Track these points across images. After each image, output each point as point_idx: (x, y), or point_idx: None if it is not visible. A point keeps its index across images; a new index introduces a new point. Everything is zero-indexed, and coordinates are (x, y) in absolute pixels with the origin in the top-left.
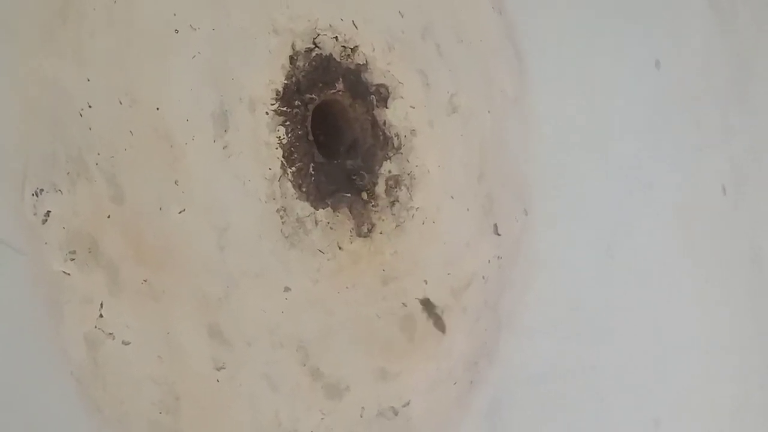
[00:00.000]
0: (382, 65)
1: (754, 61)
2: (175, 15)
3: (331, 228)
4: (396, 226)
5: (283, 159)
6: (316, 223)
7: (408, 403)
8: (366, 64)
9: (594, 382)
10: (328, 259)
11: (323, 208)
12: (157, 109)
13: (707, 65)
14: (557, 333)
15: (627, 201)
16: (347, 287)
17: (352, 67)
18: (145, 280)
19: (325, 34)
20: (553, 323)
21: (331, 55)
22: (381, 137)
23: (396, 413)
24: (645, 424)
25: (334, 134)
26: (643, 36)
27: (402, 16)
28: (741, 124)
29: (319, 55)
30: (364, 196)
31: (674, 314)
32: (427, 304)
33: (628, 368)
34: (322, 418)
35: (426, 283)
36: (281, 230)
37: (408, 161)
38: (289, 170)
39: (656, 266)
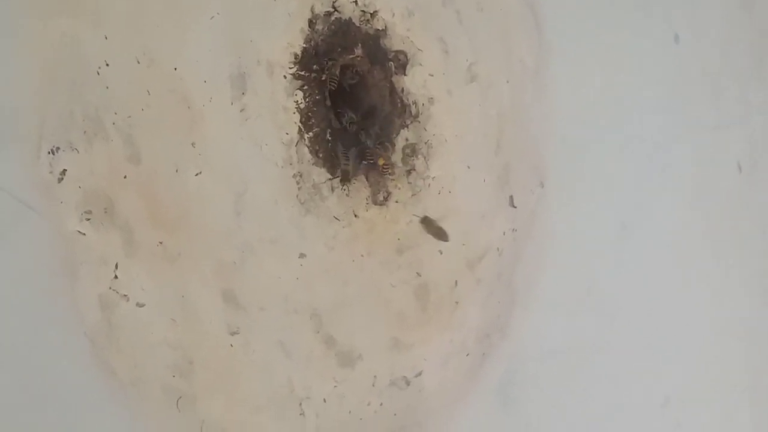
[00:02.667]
0: (401, 31)
1: None
2: None
3: (347, 195)
4: (412, 194)
5: (300, 124)
6: (332, 189)
7: (420, 374)
8: (385, 30)
9: (606, 358)
10: (344, 227)
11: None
12: (175, 69)
13: (727, 40)
14: (570, 309)
15: (643, 177)
16: (362, 255)
17: (371, 32)
18: (161, 243)
19: None
20: (567, 299)
21: (350, 19)
22: (399, 105)
23: (408, 383)
24: (655, 401)
25: (352, 100)
26: (663, 10)
27: None
28: (759, 100)
29: (338, 19)
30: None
31: (687, 293)
32: (426, 221)
33: (640, 346)
34: (335, 386)
35: (441, 254)
36: (297, 196)
37: (425, 130)
38: (306, 135)
39: (670, 244)
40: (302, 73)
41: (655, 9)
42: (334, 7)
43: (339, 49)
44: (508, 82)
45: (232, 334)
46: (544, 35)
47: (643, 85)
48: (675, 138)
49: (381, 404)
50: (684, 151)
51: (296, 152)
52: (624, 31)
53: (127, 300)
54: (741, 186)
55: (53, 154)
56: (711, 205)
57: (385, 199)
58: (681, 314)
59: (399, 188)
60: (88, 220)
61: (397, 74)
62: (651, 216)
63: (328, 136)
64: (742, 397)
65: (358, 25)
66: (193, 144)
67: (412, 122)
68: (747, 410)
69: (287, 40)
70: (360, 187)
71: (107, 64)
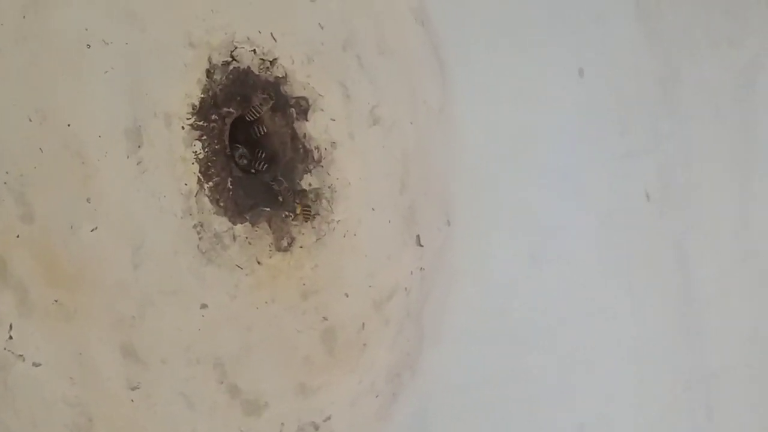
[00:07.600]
0: (301, 78)
1: (681, 67)
2: (87, 30)
3: (249, 243)
4: (316, 239)
5: (199, 174)
6: (234, 238)
7: (329, 418)
8: (285, 77)
9: (519, 389)
10: (247, 275)
11: (241, 223)
12: (69, 125)
13: (634, 72)
14: (481, 342)
15: (551, 208)
16: (266, 302)
17: (271, 80)
18: (56, 300)
19: (243, 47)
20: (478, 332)
21: (249, 68)
22: (301, 150)
23: (317, 428)
24: (570, 429)
25: (253, 148)
26: (567, 45)
27: (322, 28)
28: (668, 130)
29: (236, 69)
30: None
31: (599, 320)
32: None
33: (553, 375)
34: None
35: (347, 296)
36: (198, 246)
37: (329, 174)
38: (206, 185)
39: (581, 273)
40: (201, 123)
41: (558, 44)
42: (232, 57)
43: (238, 98)
44: (411, 123)
45: (133, 388)
46: (447, 74)
47: (550, 118)
48: (583, 168)
49: None
50: (592, 181)
51: (196, 203)
52: (528, 66)
53: (23, 360)
54: (650, 214)
55: None
56: (621, 233)
57: (289, 245)
58: (593, 342)
59: (303, 233)
60: None
61: (298, 120)
62: (560, 247)
63: (229, 184)
64: (657, 424)
65: (257, 73)
66: (88, 199)
67: (315, 167)
68: None
69: (184, 91)
70: (262, 234)
71: None
